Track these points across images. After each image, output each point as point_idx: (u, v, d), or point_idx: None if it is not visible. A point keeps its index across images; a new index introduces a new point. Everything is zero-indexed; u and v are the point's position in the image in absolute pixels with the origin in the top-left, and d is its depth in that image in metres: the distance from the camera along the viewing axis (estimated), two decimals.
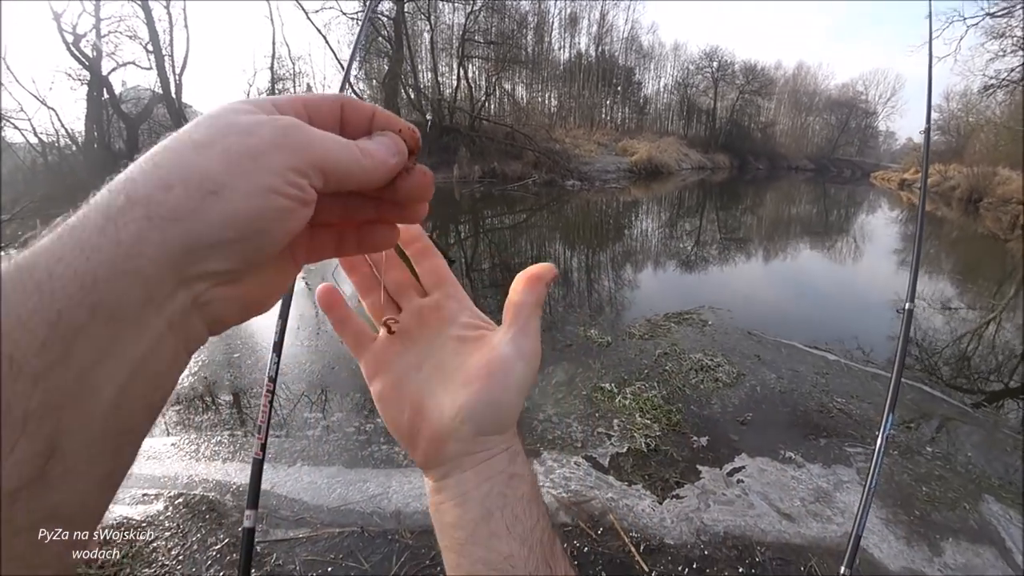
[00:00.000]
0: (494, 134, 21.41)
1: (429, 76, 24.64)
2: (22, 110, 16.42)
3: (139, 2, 17.57)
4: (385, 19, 21.90)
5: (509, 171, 19.16)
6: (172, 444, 2.90)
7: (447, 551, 0.33)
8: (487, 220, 12.35)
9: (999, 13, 12.39)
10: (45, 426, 0.17)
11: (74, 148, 20.49)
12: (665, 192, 20.88)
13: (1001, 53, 13.04)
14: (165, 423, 3.13)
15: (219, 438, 2.94)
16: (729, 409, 3.28)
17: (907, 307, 1.54)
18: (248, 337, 4.47)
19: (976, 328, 5.50)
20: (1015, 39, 12.77)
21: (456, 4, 23.84)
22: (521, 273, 0.34)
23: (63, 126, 18.25)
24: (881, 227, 14.55)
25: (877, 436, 1.39)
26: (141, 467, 2.69)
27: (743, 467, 2.70)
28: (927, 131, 1.88)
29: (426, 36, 24.01)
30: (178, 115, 19.54)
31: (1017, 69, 13.04)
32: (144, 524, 2.23)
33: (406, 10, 22.11)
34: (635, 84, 37.94)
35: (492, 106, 25.03)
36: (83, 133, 20.25)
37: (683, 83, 40.26)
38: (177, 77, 19.27)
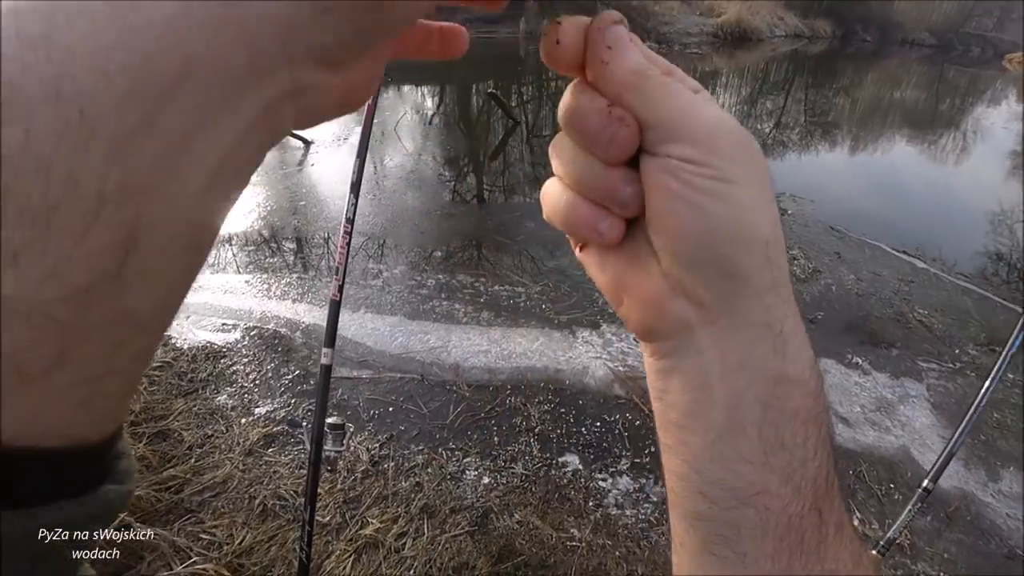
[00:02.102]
0: None
1: None
2: None
3: None
4: None
5: None
6: (246, 281, 3.05)
7: (669, 452, 0.25)
8: (552, 83, 11.43)
9: None
10: (125, 212, 0.13)
11: None
12: (750, 63, 18.55)
13: None
14: (236, 261, 3.27)
15: (288, 280, 3.07)
16: (799, 304, 3.11)
17: None
18: (312, 185, 4.48)
19: None
20: None
21: None
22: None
23: None
24: (1000, 123, 12.56)
25: (1006, 347, 1.23)
26: (220, 299, 2.86)
27: None
28: None
29: None
30: None
31: None
32: (225, 351, 2.41)
33: None
34: None
35: None
36: None
37: None
38: None
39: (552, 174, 0.25)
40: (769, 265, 0.22)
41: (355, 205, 1.04)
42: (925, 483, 1.28)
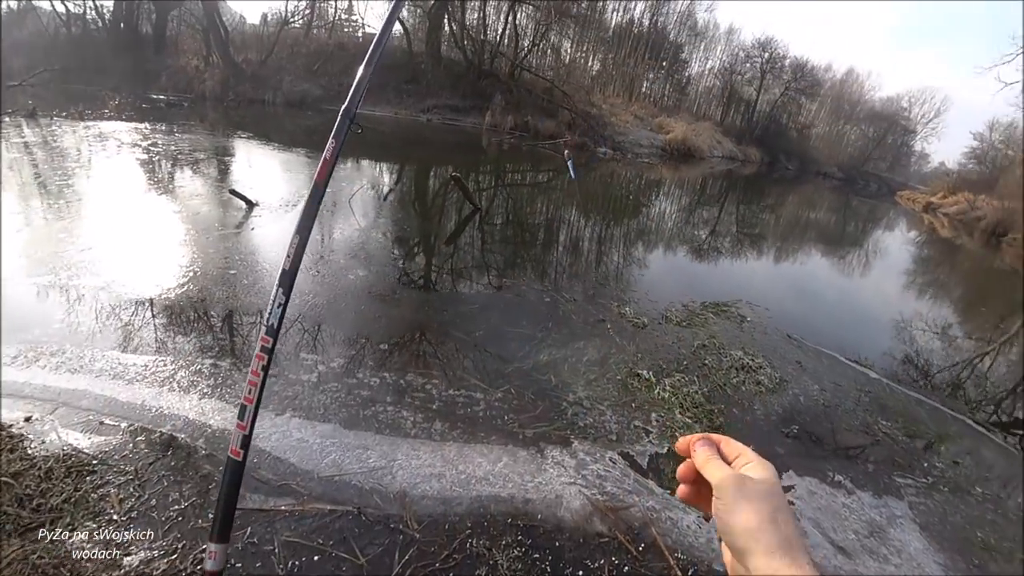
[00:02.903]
0: (532, 86, 20.69)
1: (477, 15, 23.51)
2: None
3: None
4: None
5: (542, 127, 18.61)
6: (143, 364, 2.49)
7: None
8: (510, 174, 11.81)
9: None
10: None
11: (100, 24, 19.74)
12: (693, 176, 20.24)
13: None
14: (136, 335, 2.72)
15: (199, 367, 2.53)
16: (772, 417, 2.98)
17: None
18: (249, 252, 4.07)
19: (1010, 363, 5.17)
20: None
21: None
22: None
23: None
24: (896, 246, 14.20)
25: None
26: (102, 386, 2.27)
27: (792, 486, 2.43)
28: None
29: None
30: (212, 7, 18.71)
31: None
32: (95, 464, 1.81)
33: None
34: (681, 62, 36.56)
35: (535, 58, 24.03)
36: (111, 10, 19.47)
37: (729, 69, 38.90)
38: None
39: None
40: (765, 548, 0.39)
41: (283, 307, 0.75)
42: None
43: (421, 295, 3.86)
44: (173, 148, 8.10)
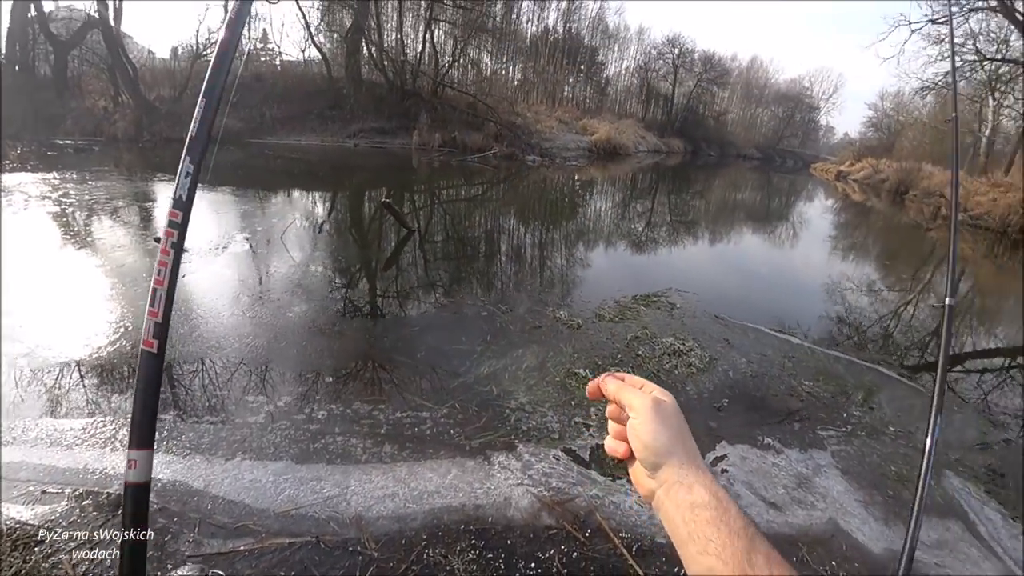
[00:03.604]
0: (456, 102, 20.83)
1: (394, 36, 23.47)
2: None
3: None
4: None
5: (470, 142, 18.75)
6: (81, 427, 2.41)
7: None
8: (444, 190, 11.89)
9: (940, 19, 12.94)
10: None
11: None
12: (622, 173, 20.99)
13: (941, 57, 13.72)
14: (68, 401, 2.61)
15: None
16: (704, 395, 3.19)
17: (948, 303, 1.38)
18: (182, 300, 3.95)
19: (916, 310, 5.75)
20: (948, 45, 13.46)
21: None
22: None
23: None
24: (817, 215, 15.40)
25: (926, 440, 1.23)
26: (41, 455, 2.20)
27: (725, 455, 2.62)
28: (955, 120, 1.74)
29: None
30: (115, 44, 17.70)
31: (949, 73, 13.82)
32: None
33: None
34: (598, 64, 38.02)
35: (456, 74, 24.22)
36: (2, 52, 18.02)
37: (644, 67, 40.86)
38: (117, 2, 17.73)
39: None
40: (677, 460, 0.46)
41: (191, 177, 0.74)
42: None
43: (362, 324, 3.89)
44: (88, 197, 7.62)
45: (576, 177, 16.65)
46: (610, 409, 0.52)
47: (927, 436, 1.19)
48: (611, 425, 0.53)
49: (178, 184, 0.74)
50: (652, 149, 33.40)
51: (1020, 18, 11.47)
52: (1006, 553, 2.19)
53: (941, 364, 1.25)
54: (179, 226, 0.74)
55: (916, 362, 4.23)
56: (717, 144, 44.98)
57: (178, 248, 0.74)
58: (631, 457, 0.49)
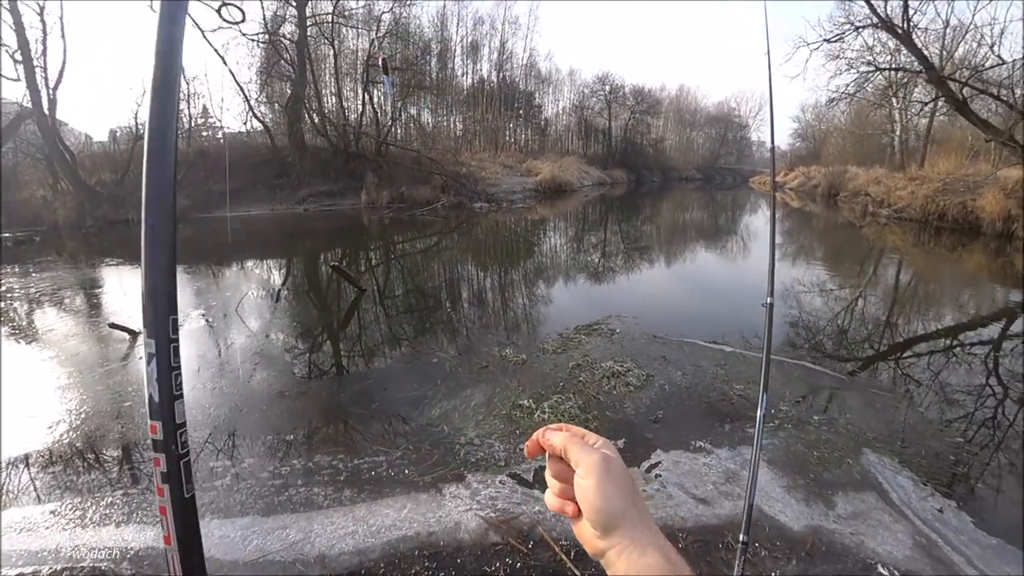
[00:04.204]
0: (401, 159, 21.27)
1: (333, 101, 24.14)
2: None
3: (5, 5, 15.39)
4: (287, 42, 21.18)
5: (417, 196, 19.10)
6: (51, 512, 2.52)
7: None
8: (398, 246, 12.15)
9: (833, 39, 14.48)
10: None
11: None
12: (569, 208, 21.74)
13: (838, 72, 15.24)
14: (35, 488, 2.72)
15: (110, 499, 2.59)
16: (642, 410, 3.43)
17: (768, 302, 1.74)
18: (142, 382, 4.01)
19: (848, 304, 6.28)
20: (846, 59, 15.05)
21: (360, 29, 23.63)
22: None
23: None
24: (761, 226, 16.25)
25: (756, 415, 1.54)
26: (12, 542, 2.29)
27: (659, 462, 2.83)
28: (772, 150, 2.16)
29: (330, 60, 23.44)
30: (52, 134, 17.42)
31: (851, 85, 15.36)
32: None
33: (309, 34, 21.52)
34: (536, 107, 39.70)
35: (398, 131, 24.93)
36: None
37: (580, 105, 42.98)
38: (51, 91, 17.32)
39: None
40: (630, 522, 0.44)
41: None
42: (741, 537, 1.47)
43: (320, 383, 4.06)
44: (33, 290, 7.51)
45: (527, 218, 17.25)
46: (553, 468, 0.50)
47: (759, 409, 1.50)
48: (552, 482, 0.51)
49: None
50: (596, 182, 34.70)
51: (899, 32, 13.04)
52: (915, 515, 2.44)
53: (765, 352, 1.59)
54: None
55: (839, 354, 4.58)
56: (659, 170, 47.23)
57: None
58: (578, 515, 0.48)
